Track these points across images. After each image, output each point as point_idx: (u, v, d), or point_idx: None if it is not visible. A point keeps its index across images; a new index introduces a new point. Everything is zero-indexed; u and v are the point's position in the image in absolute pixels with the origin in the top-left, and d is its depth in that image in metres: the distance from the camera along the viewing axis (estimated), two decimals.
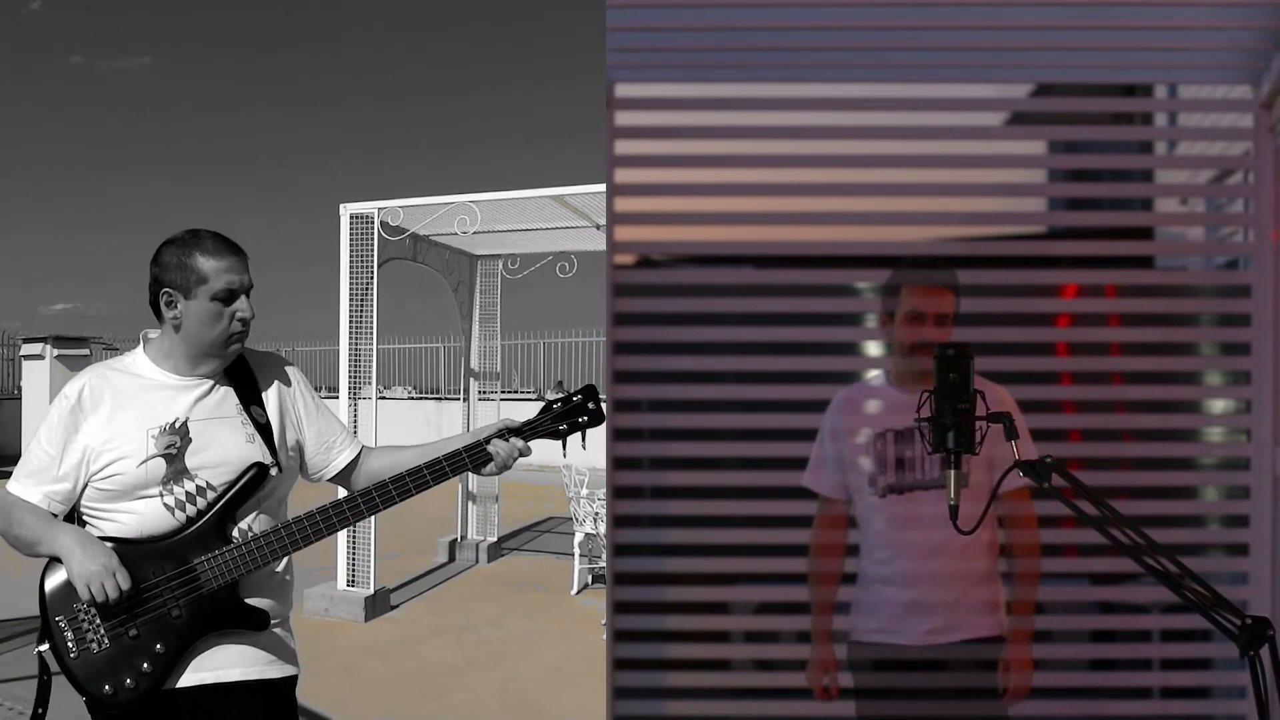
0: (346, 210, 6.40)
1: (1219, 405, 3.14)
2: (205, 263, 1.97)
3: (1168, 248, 3.31)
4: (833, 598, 2.78)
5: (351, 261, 6.35)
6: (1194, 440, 3.15)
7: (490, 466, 2.09)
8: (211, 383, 2.06)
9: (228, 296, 1.99)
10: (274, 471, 2.06)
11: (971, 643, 2.64)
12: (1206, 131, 3.26)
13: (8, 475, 2.07)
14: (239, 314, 2.01)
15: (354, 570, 6.24)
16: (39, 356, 12.91)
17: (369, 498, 2.04)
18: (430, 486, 2.07)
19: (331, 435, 2.22)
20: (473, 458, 2.08)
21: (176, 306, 1.99)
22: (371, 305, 6.39)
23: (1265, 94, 3.00)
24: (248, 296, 2.02)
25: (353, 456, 2.24)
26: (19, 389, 14.53)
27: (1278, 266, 3.02)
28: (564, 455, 2.16)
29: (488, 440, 2.08)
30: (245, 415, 2.07)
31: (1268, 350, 3.02)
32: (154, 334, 2.08)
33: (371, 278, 6.37)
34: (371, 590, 6.20)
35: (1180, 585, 1.79)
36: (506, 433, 2.09)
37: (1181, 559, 1.83)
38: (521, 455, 2.10)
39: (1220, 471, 3.13)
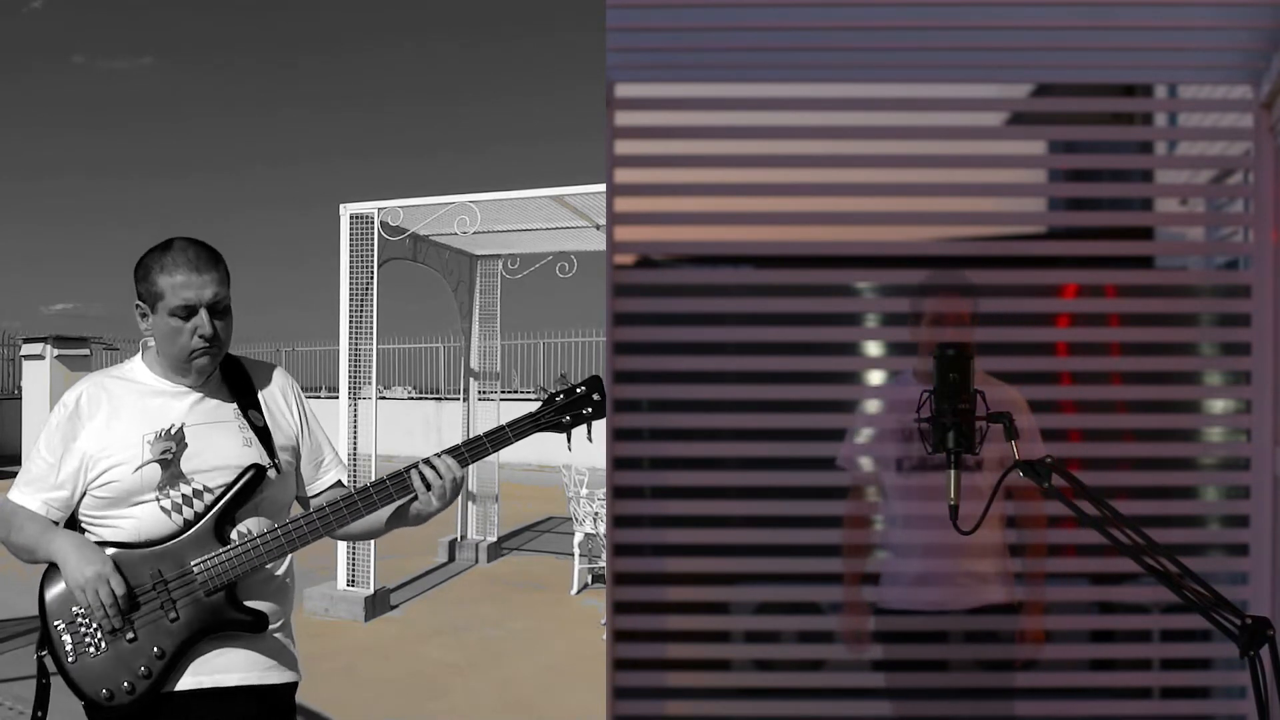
0: (346, 210, 6.40)
1: (1219, 405, 3.14)
2: (162, 279, 1.95)
3: (1168, 248, 3.31)
4: (861, 566, 2.98)
5: (351, 261, 6.36)
6: (1194, 440, 3.15)
7: (418, 504, 2.04)
8: (208, 388, 2.05)
9: (185, 313, 1.95)
10: (272, 474, 2.03)
11: (984, 609, 2.85)
12: (1206, 131, 3.26)
13: (7, 475, 2.07)
14: (199, 330, 1.96)
15: (354, 570, 6.24)
16: (39, 356, 12.90)
17: (366, 494, 2.02)
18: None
19: (321, 454, 2.21)
20: (396, 487, 2.03)
21: (147, 319, 1.99)
22: (371, 305, 6.39)
23: (1265, 94, 3.00)
24: (211, 311, 1.96)
25: (338, 478, 2.22)
26: (19, 389, 14.52)
27: (1278, 266, 3.02)
28: (569, 448, 2.13)
29: (412, 468, 2.03)
30: (243, 419, 2.05)
31: (1268, 350, 3.02)
32: (153, 341, 2.07)
33: (371, 278, 6.37)
34: (371, 590, 6.21)
35: (1180, 585, 1.79)
36: (444, 454, 2.04)
37: (1181, 559, 1.83)
38: (456, 479, 2.03)
39: (1220, 471, 3.13)
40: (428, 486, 2.03)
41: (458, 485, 2.05)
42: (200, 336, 1.97)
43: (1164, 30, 3.06)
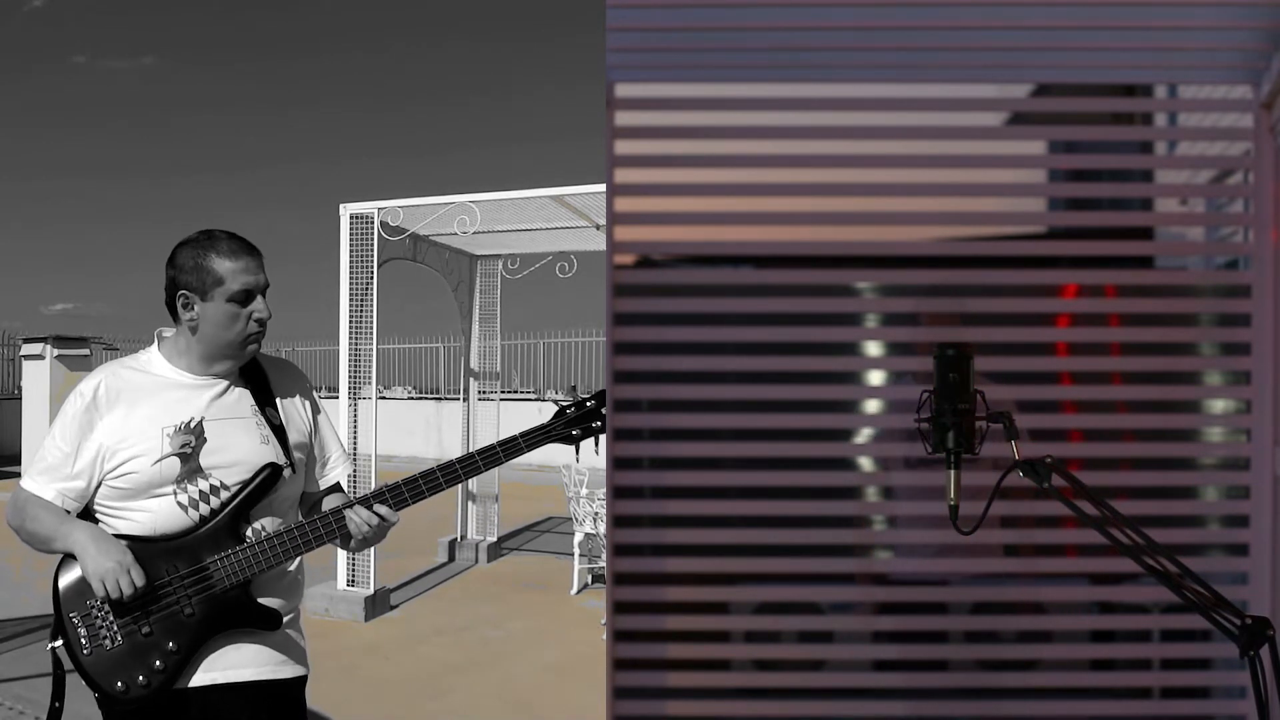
0: (346, 210, 6.41)
1: (1219, 405, 3.14)
2: (221, 264, 1.98)
3: (1168, 248, 3.31)
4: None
5: (351, 261, 6.36)
6: (1194, 440, 3.14)
7: (352, 543, 2.08)
8: (227, 383, 2.07)
9: (244, 298, 2.00)
10: (287, 473, 2.07)
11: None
12: (1206, 131, 3.26)
13: (8, 475, 2.07)
14: (256, 314, 2.01)
15: (354, 570, 6.24)
16: (39, 356, 12.89)
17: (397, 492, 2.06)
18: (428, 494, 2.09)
19: (329, 453, 2.24)
20: (339, 523, 2.06)
21: (193, 308, 2.00)
22: (371, 305, 6.40)
23: (1265, 94, 3.00)
24: (264, 296, 2.03)
25: (342, 478, 2.25)
26: (19, 389, 14.51)
27: (1278, 266, 3.02)
28: (577, 460, 2.18)
29: (349, 505, 2.06)
30: (260, 416, 2.08)
31: (1268, 350, 3.02)
32: (169, 333, 2.09)
33: (371, 278, 6.37)
34: (371, 590, 6.21)
35: (1180, 585, 1.79)
36: (372, 499, 2.07)
37: (1181, 559, 1.83)
38: (385, 523, 2.06)
39: (1220, 471, 3.13)
40: (360, 529, 2.05)
41: (384, 531, 2.08)
42: (256, 321, 2.01)
43: (1164, 30, 3.06)
